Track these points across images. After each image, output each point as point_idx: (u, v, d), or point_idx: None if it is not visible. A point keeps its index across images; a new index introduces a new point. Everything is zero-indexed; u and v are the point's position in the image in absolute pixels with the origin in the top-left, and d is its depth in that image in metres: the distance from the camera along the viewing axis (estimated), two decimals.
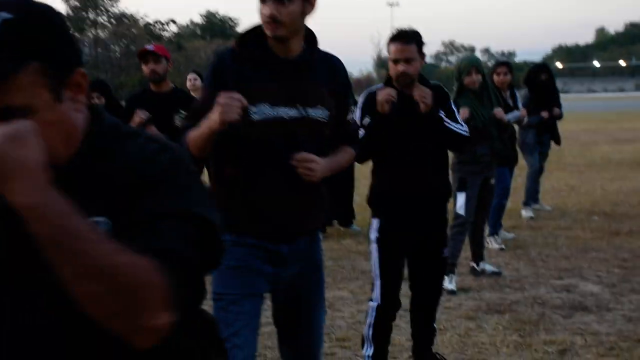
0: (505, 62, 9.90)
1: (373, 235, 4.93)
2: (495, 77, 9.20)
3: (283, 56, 3.18)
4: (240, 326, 3.23)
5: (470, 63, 7.64)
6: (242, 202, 3.22)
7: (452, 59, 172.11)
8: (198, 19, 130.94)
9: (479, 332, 5.96)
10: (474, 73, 7.32)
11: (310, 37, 3.32)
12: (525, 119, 9.52)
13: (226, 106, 2.91)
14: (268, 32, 3.11)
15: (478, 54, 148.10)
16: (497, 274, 7.74)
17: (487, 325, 6.11)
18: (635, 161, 19.56)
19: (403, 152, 4.79)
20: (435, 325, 5.22)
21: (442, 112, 4.81)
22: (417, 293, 5.09)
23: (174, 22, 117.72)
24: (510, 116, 8.55)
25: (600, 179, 16.11)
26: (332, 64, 3.48)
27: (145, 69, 7.00)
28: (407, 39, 4.69)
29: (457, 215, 7.32)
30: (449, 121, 4.84)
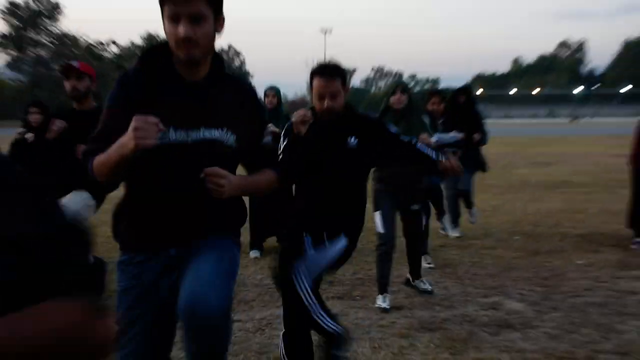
0: (437, 91, 10.17)
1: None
2: (429, 106, 9.56)
3: (189, 79, 3.09)
4: (130, 348, 3.16)
5: (396, 83, 8.07)
6: (133, 224, 3.17)
7: (382, 83, 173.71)
8: (139, 41, 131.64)
9: (412, 350, 6.16)
10: (399, 92, 7.53)
11: (217, 61, 3.24)
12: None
13: (142, 131, 2.74)
14: (181, 54, 3.00)
15: (405, 79, 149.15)
16: (428, 293, 8.02)
17: (420, 344, 6.33)
18: (550, 184, 20.42)
19: (319, 177, 4.76)
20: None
21: (386, 140, 4.86)
22: None
23: (114, 43, 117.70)
24: (448, 137, 8.84)
25: (519, 200, 16.77)
26: (240, 87, 3.36)
27: (67, 84, 6.92)
28: (331, 74, 4.64)
29: (378, 235, 7.52)
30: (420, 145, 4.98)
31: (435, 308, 7.52)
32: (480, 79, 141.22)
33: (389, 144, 4.82)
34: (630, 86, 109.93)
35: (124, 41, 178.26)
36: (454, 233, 11.74)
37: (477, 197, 12.54)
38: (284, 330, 4.98)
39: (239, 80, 3.48)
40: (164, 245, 3.21)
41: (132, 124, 2.79)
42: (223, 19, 3.16)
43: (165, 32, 3.02)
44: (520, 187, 19.48)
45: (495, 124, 58.00)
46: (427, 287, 8.12)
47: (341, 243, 4.79)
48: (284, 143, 4.72)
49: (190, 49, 2.99)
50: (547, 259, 10.00)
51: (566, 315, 7.26)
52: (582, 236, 11.74)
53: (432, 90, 10.19)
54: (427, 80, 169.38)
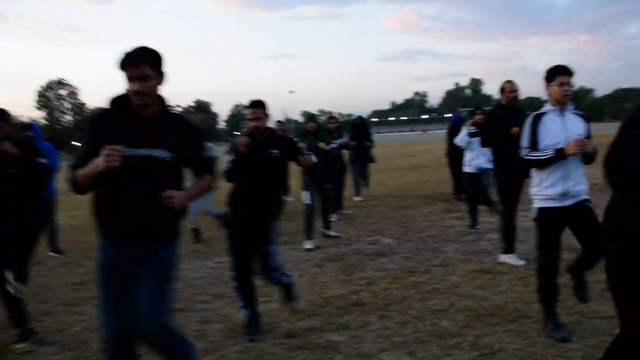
0: (333, 117, 10.00)
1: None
2: (330, 126, 9.30)
3: (142, 115, 2.68)
4: (106, 308, 2.74)
5: (308, 116, 8.05)
6: (104, 215, 2.73)
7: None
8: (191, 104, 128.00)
9: (322, 275, 5.72)
10: (311, 121, 7.61)
11: (162, 102, 2.79)
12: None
13: (110, 156, 2.48)
14: (136, 101, 2.64)
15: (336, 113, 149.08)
16: (336, 237, 7.55)
17: (327, 270, 5.89)
18: (411, 166, 20.13)
19: (251, 180, 4.14)
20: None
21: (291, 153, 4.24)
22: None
23: None
24: (337, 142, 8.63)
25: (394, 177, 16.33)
26: (177, 120, 2.86)
27: None
28: (257, 105, 4.11)
29: (305, 205, 7.18)
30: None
31: (339, 246, 7.06)
32: (376, 112, 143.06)
33: (296, 153, 4.29)
34: (450, 114, 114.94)
35: None
36: (357, 198, 11.23)
37: (373, 176, 12.18)
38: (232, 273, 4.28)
39: (177, 115, 3.00)
40: (120, 239, 2.74)
41: (104, 151, 2.52)
42: (164, 75, 2.76)
43: (126, 87, 2.67)
44: (395, 169, 19.01)
45: (385, 136, 58.07)
46: (335, 233, 7.66)
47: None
48: (232, 157, 4.16)
49: (141, 99, 2.65)
50: (406, 211, 9.58)
51: (414, 244, 6.84)
52: (427, 196, 11.31)
53: (331, 116, 9.95)
54: (346, 114, 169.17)
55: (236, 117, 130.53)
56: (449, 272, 5.49)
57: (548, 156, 3.70)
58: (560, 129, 3.76)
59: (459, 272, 5.45)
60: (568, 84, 3.74)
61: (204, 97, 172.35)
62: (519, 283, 4.97)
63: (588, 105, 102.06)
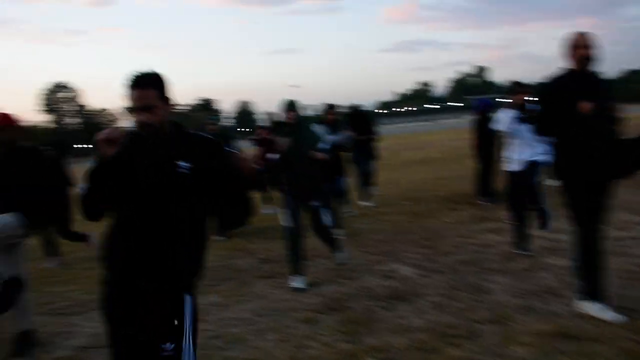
0: (332, 106, 7.82)
1: None
2: (328, 117, 7.41)
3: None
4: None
5: (287, 103, 5.29)
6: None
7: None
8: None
9: (312, 340, 3.72)
10: (290, 111, 5.11)
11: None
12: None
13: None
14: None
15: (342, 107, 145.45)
16: (341, 265, 5.50)
17: (320, 329, 3.89)
18: (423, 160, 17.85)
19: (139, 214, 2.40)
20: None
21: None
22: None
23: None
24: (339, 137, 6.92)
25: (404, 173, 14.15)
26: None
27: None
28: (143, 83, 2.17)
29: (285, 229, 5.14)
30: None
31: (341, 281, 5.06)
32: (383, 104, 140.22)
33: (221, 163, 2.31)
34: (457, 103, 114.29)
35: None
36: (364, 204, 9.21)
37: (380, 173, 10.17)
38: None
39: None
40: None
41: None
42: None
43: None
44: (405, 164, 16.86)
45: (390, 127, 55.96)
46: (343, 257, 5.57)
47: None
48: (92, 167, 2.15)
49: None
50: (426, 220, 7.57)
51: (445, 278, 4.85)
52: (447, 198, 9.25)
53: (329, 105, 7.81)
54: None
55: (242, 113, 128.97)
56: (508, 335, 3.50)
57: None
58: None
59: (523, 335, 3.48)
60: None
61: (208, 95, 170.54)
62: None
63: None
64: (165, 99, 2.23)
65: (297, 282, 4.93)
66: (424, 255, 5.70)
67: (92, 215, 2.23)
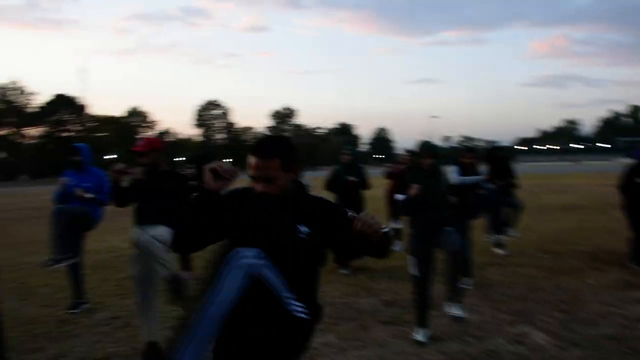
0: (471, 149, 7.49)
1: None
2: (464, 159, 7.10)
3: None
4: None
5: (426, 147, 5.11)
6: None
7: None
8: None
9: None
10: (428, 156, 4.95)
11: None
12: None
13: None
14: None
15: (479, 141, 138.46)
16: (460, 320, 5.25)
17: None
18: (565, 206, 16.48)
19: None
20: None
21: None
22: None
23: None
24: (469, 179, 6.79)
25: (544, 220, 13.10)
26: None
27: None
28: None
29: (412, 277, 4.93)
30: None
31: (465, 339, 4.76)
32: (521, 140, 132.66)
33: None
34: (605, 144, 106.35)
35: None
36: (499, 251, 8.68)
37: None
38: None
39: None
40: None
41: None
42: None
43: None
44: (543, 210, 15.69)
45: (528, 166, 52.96)
46: (459, 313, 5.34)
47: None
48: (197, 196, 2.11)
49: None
50: (565, 279, 6.90)
51: (586, 355, 4.34)
52: (592, 254, 8.41)
53: (468, 148, 7.46)
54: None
55: (379, 139, 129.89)
56: None
57: None
58: None
59: None
60: None
61: (348, 120, 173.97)
62: None
63: None
64: (289, 168, 2.10)
65: (420, 335, 4.71)
66: (561, 321, 5.19)
67: (182, 246, 2.18)
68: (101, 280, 7.41)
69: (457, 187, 5.45)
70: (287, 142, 2.14)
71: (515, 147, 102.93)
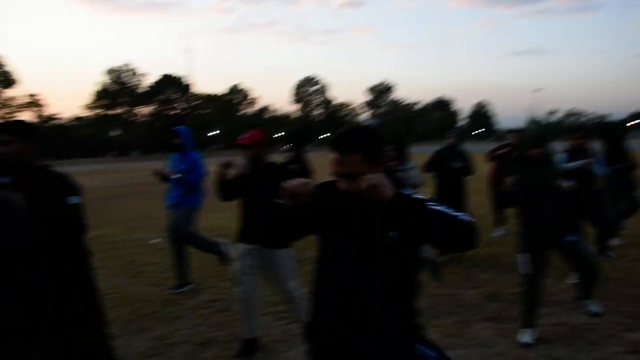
0: (577, 129, 6.71)
1: None
2: (572, 142, 6.36)
3: None
4: None
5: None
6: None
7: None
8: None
9: None
10: (535, 147, 4.49)
11: None
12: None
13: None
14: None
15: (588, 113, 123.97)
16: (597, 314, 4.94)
17: None
18: None
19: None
20: None
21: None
22: None
23: None
24: (572, 165, 5.98)
25: None
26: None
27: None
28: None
29: (523, 276, 4.57)
30: None
31: (576, 343, 4.38)
32: (635, 114, 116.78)
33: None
34: None
35: None
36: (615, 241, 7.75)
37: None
38: None
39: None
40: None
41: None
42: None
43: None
44: None
45: None
46: (595, 309, 4.98)
47: None
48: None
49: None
50: None
51: None
52: None
53: (574, 128, 6.74)
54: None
55: (479, 114, 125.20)
56: None
57: None
58: None
59: None
60: None
61: (448, 94, 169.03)
62: None
63: None
64: (373, 162, 1.93)
65: (526, 337, 4.41)
66: None
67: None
68: (203, 259, 7.66)
69: (569, 174, 5.00)
70: (369, 133, 1.98)
71: (629, 123, 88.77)
